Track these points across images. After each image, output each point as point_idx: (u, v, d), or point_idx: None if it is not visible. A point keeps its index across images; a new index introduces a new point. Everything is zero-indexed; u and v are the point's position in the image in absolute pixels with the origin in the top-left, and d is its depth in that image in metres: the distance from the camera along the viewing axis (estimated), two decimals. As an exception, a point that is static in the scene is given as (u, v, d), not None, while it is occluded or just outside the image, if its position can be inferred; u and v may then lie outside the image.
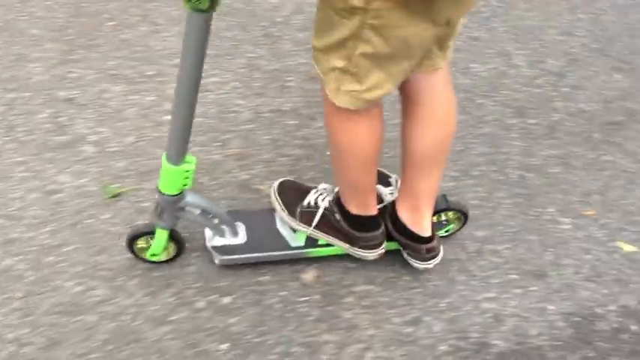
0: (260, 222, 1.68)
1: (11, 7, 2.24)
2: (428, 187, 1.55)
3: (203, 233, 1.64)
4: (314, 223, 1.62)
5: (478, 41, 2.35)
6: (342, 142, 1.44)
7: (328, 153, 1.93)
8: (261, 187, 1.82)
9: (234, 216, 1.65)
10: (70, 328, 1.51)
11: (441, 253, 1.64)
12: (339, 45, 1.20)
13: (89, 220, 1.71)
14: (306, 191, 1.67)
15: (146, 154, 1.86)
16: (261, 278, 1.64)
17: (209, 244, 1.63)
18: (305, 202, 1.65)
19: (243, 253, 1.63)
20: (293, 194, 1.69)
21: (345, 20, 1.15)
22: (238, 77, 2.11)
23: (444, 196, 1.67)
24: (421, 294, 1.64)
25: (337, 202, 1.61)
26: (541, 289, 1.68)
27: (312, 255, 1.66)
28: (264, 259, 1.64)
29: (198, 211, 1.58)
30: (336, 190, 1.62)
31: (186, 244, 1.63)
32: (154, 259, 1.63)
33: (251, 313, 1.57)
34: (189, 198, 1.54)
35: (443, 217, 1.70)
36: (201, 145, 1.91)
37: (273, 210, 1.68)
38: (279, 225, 1.67)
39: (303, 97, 2.07)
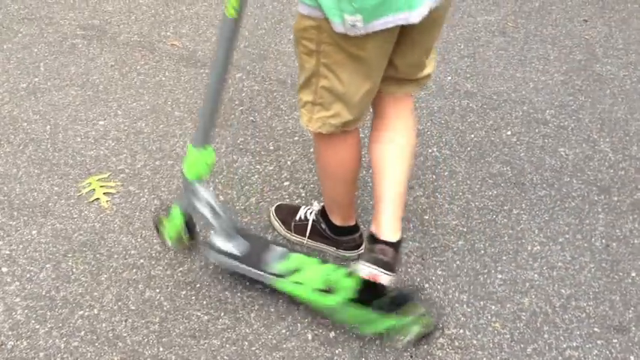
0: (257, 247, 1.87)
1: (159, 94, 2.69)
2: (396, 195, 1.68)
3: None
4: (307, 234, 2.01)
5: (566, 130, 2.55)
6: (324, 165, 1.78)
7: (426, 217, 2.16)
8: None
9: (240, 232, 1.87)
10: (197, 349, 1.77)
11: (393, 278, 1.63)
12: (307, 82, 1.56)
13: (217, 264, 2.00)
14: (297, 209, 2.06)
15: (266, 212, 2.16)
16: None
17: (211, 239, 1.85)
18: (297, 217, 2.04)
19: (231, 260, 1.83)
20: (287, 213, 2.08)
21: (308, 60, 1.51)
22: (347, 153, 2.42)
23: (416, 289, 1.92)
24: (509, 340, 1.79)
25: (322, 214, 1.98)
26: (622, 343, 1.78)
27: (278, 286, 1.79)
28: (247, 273, 1.83)
29: (208, 208, 1.78)
30: (322, 204, 1.98)
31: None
32: (171, 242, 1.95)
33: (353, 347, 1.77)
34: (204, 192, 1.76)
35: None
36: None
37: (272, 244, 1.90)
38: (270, 252, 1.85)
39: (403, 171, 2.34)
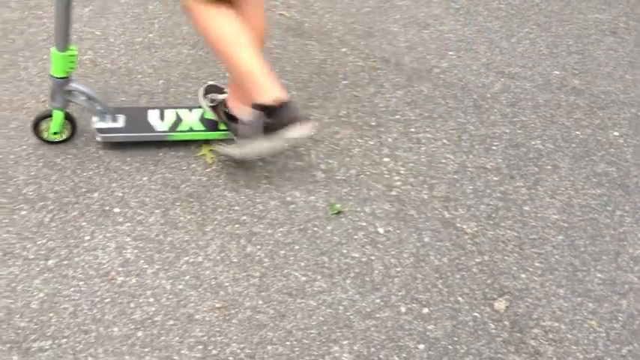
0: (136, 115, 2.20)
1: (269, 61, 2.75)
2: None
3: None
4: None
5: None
6: (207, 35, 1.83)
7: (527, 208, 2.15)
8: (463, 225, 2.08)
9: (117, 110, 2.19)
10: (294, 307, 1.83)
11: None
12: None
13: (315, 229, 2.05)
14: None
15: (365, 185, 2.20)
16: (458, 298, 1.86)
17: (94, 126, 2.14)
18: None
19: (120, 133, 2.14)
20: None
21: None
22: (448, 136, 2.42)
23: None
24: (604, 338, 1.77)
25: (258, 108, 1.87)
26: None
27: (172, 139, 2.18)
28: (135, 139, 2.17)
29: (83, 97, 2.07)
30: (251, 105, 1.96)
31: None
32: (56, 137, 2.16)
33: (446, 325, 1.79)
34: (76, 85, 2.05)
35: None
36: (411, 184, 2.21)
37: (146, 108, 2.23)
38: (149, 117, 2.19)
39: (506, 159, 2.33)
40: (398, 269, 1.94)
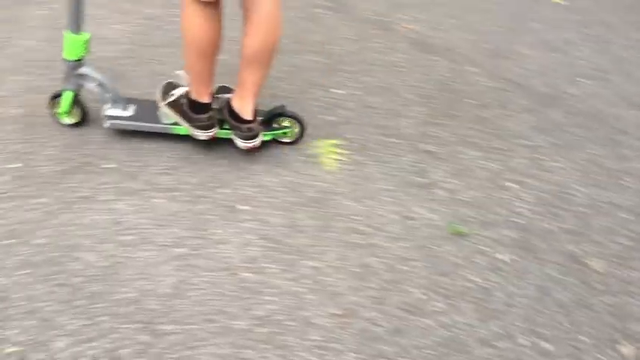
0: (146, 107, 2.26)
1: (391, 73, 2.76)
2: (253, 80, 2.09)
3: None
4: (166, 101, 2.19)
5: None
6: (187, 33, 1.97)
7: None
8: (591, 262, 2.00)
9: (128, 99, 2.26)
10: (411, 323, 1.82)
11: (260, 139, 2.19)
12: None
13: (434, 247, 2.03)
14: (177, 86, 2.23)
15: (489, 209, 2.16)
16: (582, 337, 1.80)
17: (103, 112, 2.21)
18: (173, 92, 2.21)
19: (127, 122, 2.22)
20: (171, 87, 2.25)
21: None
22: (578, 167, 2.34)
23: (283, 105, 2.26)
24: None
25: (187, 98, 2.16)
26: None
27: (175, 132, 2.24)
28: (141, 128, 2.23)
29: (94, 83, 2.16)
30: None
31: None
32: (65, 118, 2.25)
33: (569, 363, 1.74)
34: (88, 70, 2.14)
35: (284, 123, 2.28)
36: (537, 213, 2.16)
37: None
38: (158, 112, 2.24)
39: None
40: (519, 299, 1.90)
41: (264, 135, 2.25)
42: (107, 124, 2.23)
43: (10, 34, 2.70)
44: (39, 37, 2.68)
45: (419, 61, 2.82)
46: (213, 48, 2.03)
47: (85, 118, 2.29)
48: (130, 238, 1.94)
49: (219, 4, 1.95)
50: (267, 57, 2.07)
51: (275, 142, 2.31)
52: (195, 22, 1.96)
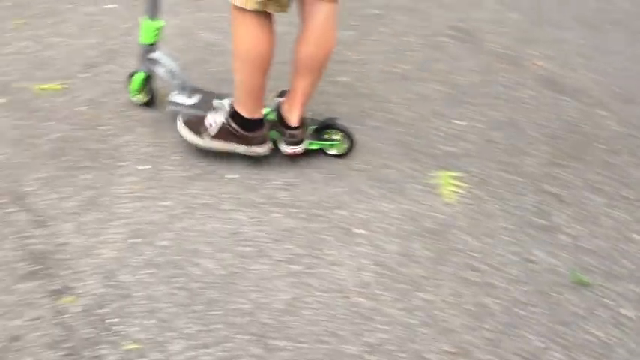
0: (209, 99, 2.27)
1: (517, 109, 2.69)
2: (302, 87, 2.10)
3: None
4: (212, 134, 2.14)
5: None
6: (239, 46, 1.96)
7: None
8: None
9: (194, 89, 2.32)
10: (527, 372, 1.74)
11: (303, 147, 2.22)
12: None
13: (555, 294, 1.94)
14: (203, 117, 2.17)
15: (615, 260, 2.04)
16: None
17: (169, 97, 2.29)
18: (206, 123, 2.15)
19: (188, 110, 2.27)
20: (196, 122, 2.18)
21: None
22: None
23: (336, 118, 2.28)
24: None
25: (231, 114, 2.11)
26: None
27: None
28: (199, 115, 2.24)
29: (164, 68, 2.26)
30: (230, 104, 2.12)
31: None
32: (135, 96, 2.39)
33: None
34: (159, 55, 2.25)
35: (335, 136, 2.28)
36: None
37: (223, 95, 2.26)
38: (214, 102, 2.22)
39: None
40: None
41: (311, 144, 2.28)
42: (170, 108, 2.32)
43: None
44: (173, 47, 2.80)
45: (546, 99, 2.73)
46: (267, 60, 2.01)
47: (153, 100, 2.41)
48: (247, 249, 1.97)
49: (272, 18, 1.94)
50: (318, 65, 2.09)
51: (325, 154, 2.33)
52: (248, 33, 1.94)
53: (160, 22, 2.20)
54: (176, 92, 2.31)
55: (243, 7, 1.89)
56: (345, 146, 2.31)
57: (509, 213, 2.20)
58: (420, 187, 2.26)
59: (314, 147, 2.29)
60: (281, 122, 2.20)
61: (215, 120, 2.16)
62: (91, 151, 2.21)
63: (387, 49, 2.92)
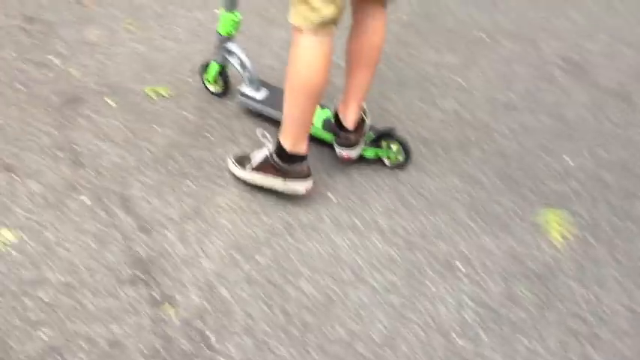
0: (276, 94, 2.27)
1: (628, 149, 2.55)
2: (356, 84, 2.08)
3: None
4: (254, 165, 2.09)
5: None
6: (293, 73, 1.87)
7: None
8: None
9: (263, 83, 2.39)
10: None
11: (357, 152, 2.20)
12: None
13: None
14: (248, 156, 2.13)
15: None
16: None
17: (240, 89, 2.37)
18: (251, 156, 2.11)
19: (255, 103, 2.35)
20: (243, 157, 2.15)
21: None
22: None
23: (393, 128, 2.24)
24: None
25: (275, 147, 2.03)
26: None
27: None
28: (264, 112, 2.36)
29: (237, 60, 2.32)
30: (277, 140, 2.03)
31: None
32: (209, 85, 2.47)
33: None
34: (234, 47, 2.31)
35: (392, 146, 2.25)
36: None
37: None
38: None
39: None
40: None
41: (366, 150, 2.26)
42: (237, 99, 2.41)
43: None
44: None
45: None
46: (320, 91, 1.91)
47: (226, 91, 2.48)
48: (345, 274, 1.94)
49: (333, 34, 1.84)
50: (370, 59, 2.06)
51: (382, 163, 2.31)
52: (310, 58, 1.84)
53: (237, 15, 2.25)
54: (246, 84, 2.37)
55: (303, 26, 1.80)
56: (401, 158, 2.27)
57: (620, 262, 2.08)
58: (524, 224, 2.17)
59: (369, 154, 2.27)
60: (337, 123, 2.18)
61: (260, 153, 2.10)
62: (196, 159, 2.23)
63: (493, 76, 2.83)
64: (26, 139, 2.21)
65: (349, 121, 2.14)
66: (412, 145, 2.28)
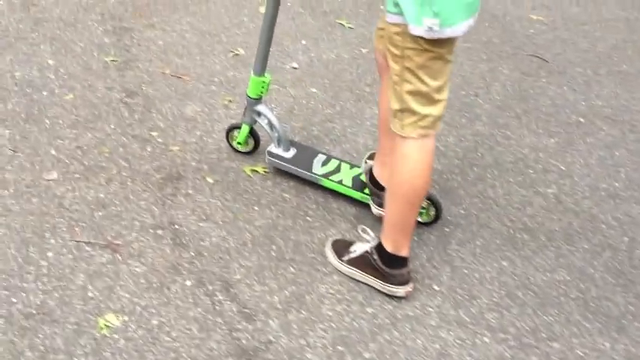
0: (305, 153, 2.41)
1: None
2: (389, 147, 1.94)
3: None
4: (347, 258, 2.05)
5: None
6: (397, 179, 1.84)
7: None
8: None
9: (291, 142, 2.43)
10: None
11: None
12: (394, 91, 1.75)
13: None
14: (352, 243, 2.08)
15: None
16: None
17: (270, 148, 2.40)
18: (350, 249, 2.05)
19: (284, 162, 2.37)
20: (342, 245, 2.10)
21: (394, 66, 1.72)
22: None
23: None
24: None
25: (377, 247, 1.98)
26: None
27: (322, 183, 2.33)
28: (294, 172, 2.37)
29: (266, 121, 2.37)
30: (378, 238, 1.98)
31: None
32: (240, 147, 2.50)
33: None
34: (263, 108, 2.36)
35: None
36: None
37: (317, 152, 2.44)
38: (314, 159, 2.39)
39: None
40: None
41: None
42: (268, 160, 2.42)
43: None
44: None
45: None
46: (422, 195, 1.89)
47: (256, 150, 2.51)
48: (457, 376, 1.83)
49: (433, 140, 1.83)
50: None
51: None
52: (415, 165, 1.82)
53: (267, 78, 2.32)
54: (275, 145, 2.40)
55: (408, 135, 1.78)
56: (432, 213, 2.26)
57: None
58: (641, 326, 2.04)
59: None
60: (374, 184, 2.20)
61: (360, 247, 2.05)
62: (296, 243, 2.19)
63: (594, 162, 2.73)
64: (129, 217, 2.22)
65: (384, 179, 2.13)
66: (515, 232, 2.20)
